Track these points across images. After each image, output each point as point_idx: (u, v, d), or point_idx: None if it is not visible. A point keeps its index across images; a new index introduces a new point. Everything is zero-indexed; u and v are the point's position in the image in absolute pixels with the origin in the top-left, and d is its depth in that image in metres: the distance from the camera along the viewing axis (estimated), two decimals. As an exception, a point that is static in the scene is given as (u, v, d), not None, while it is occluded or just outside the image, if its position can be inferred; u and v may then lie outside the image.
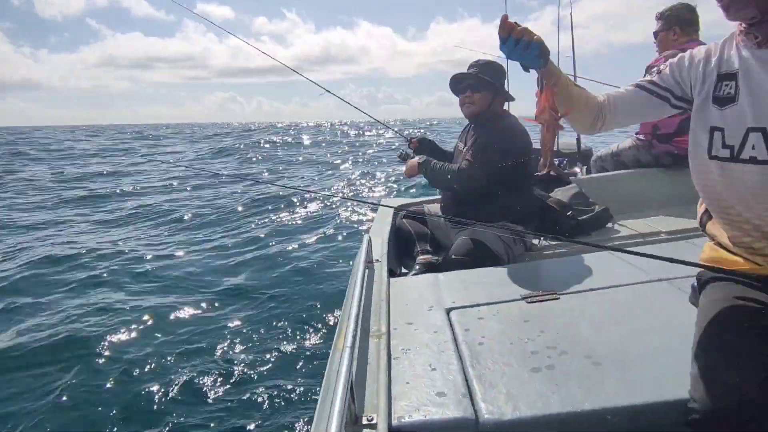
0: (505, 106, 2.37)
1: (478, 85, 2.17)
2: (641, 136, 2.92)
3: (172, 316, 3.58)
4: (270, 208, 7.46)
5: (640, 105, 1.25)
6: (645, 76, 2.84)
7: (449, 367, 1.13)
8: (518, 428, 0.94)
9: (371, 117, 3.07)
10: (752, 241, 1.05)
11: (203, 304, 3.75)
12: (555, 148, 3.67)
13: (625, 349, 1.13)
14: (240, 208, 7.44)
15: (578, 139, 3.52)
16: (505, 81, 2.26)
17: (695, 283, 1.31)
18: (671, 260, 1.05)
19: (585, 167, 3.34)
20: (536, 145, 2.24)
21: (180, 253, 5.24)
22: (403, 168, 2.36)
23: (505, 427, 0.94)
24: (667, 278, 1.51)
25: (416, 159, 2.27)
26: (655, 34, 2.79)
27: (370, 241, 1.87)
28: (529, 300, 1.46)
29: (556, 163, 3.25)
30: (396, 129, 3.06)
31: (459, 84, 2.25)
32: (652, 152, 2.86)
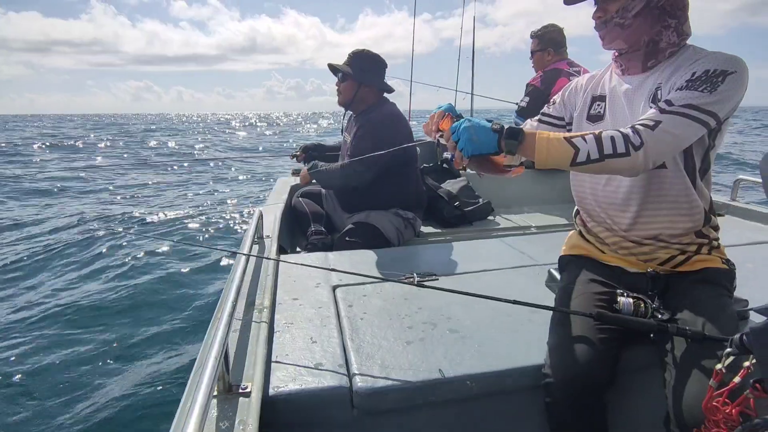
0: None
1: (344, 75, 2.23)
2: None
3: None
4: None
5: None
6: (525, 95, 3.11)
7: (329, 340, 1.17)
8: (388, 396, 1.01)
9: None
10: (601, 230, 1.27)
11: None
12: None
13: (487, 324, 1.26)
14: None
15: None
16: (382, 71, 2.28)
17: (551, 269, 1.50)
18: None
19: None
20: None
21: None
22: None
23: (377, 395, 1.00)
24: (531, 264, 1.70)
25: (305, 168, 2.36)
26: (532, 53, 3.07)
27: (261, 216, 1.84)
28: (411, 280, 1.55)
29: (449, 157, 3.44)
30: (271, 155, 3.11)
31: (335, 74, 2.30)
32: None
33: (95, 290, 3.76)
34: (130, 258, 4.47)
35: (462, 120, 1.11)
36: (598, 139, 1.00)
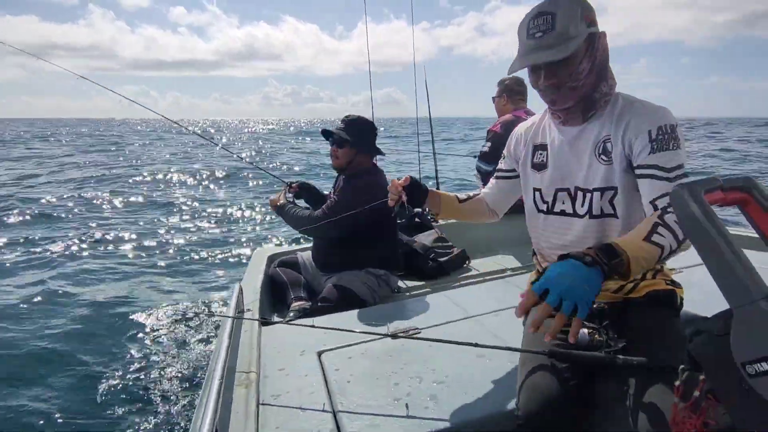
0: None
1: (342, 141, 2.30)
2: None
3: None
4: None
5: (507, 190, 1.50)
6: (486, 140, 3.29)
7: (319, 406, 1.17)
8: None
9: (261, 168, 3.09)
10: None
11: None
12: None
13: (471, 371, 1.29)
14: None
15: (437, 188, 3.90)
16: (375, 136, 2.41)
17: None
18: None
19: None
20: None
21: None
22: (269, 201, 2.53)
23: None
24: (510, 306, 1.75)
25: (279, 199, 2.44)
26: (493, 98, 3.31)
27: (241, 290, 1.86)
28: (394, 337, 1.58)
29: (420, 211, 3.55)
30: (276, 173, 3.10)
31: (326, 138, 2.39)
32: None
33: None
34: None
35: (543, 279, 0.90)
36: (668, 228, 0.98)
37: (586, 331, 1.06)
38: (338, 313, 1.91)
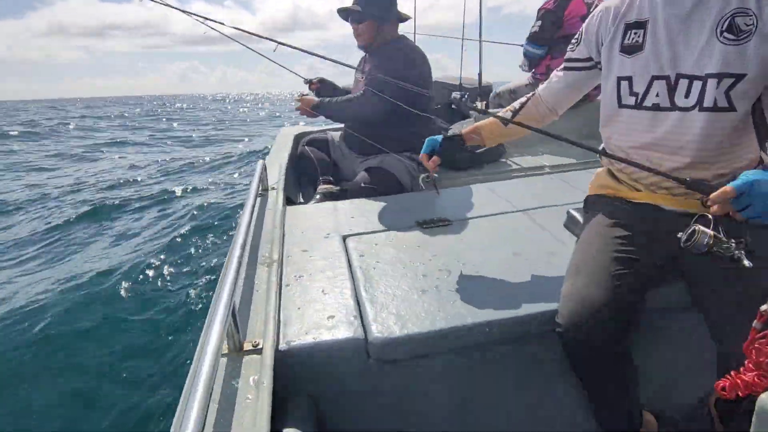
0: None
1: (359, 16, 2.11)
2: (537, 75, 3.04)
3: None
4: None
5: (577, 85, 1.25)
6: (537, 20, 2.92)
7: (342, 291, 1.13)
8: (406, 344, 0.98)
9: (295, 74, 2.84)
10: (633, 172, 1.14)
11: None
12: (458, 83, 3.71)
13: (504, 269, 1.21)
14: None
15: (480, 75, 3.57)
16: (394, 3, 2.16)
17: (570, 210, 1.43)
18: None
19: (485, 102, 3.43)
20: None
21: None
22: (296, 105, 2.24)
23: (394, 345, 0.97)
24: (548, 205, 1.63)
25: (309, 99, 2.17)
26: None
27: (264, 167, 1.78)
28: (424, 226, 1.50)
29: (458, 96, 3.29)
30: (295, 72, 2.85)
31: (346, 18, 2.17)
32: None
33: (101, 256, 3.79)
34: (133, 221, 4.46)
35: (750, 177, 0.80)
36: None
37: (709, 233, 0.82)
38: (366, 198, 1.83)
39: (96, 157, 10.26)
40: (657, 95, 1.04)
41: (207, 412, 0.60)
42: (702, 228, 0.82)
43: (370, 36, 2.14)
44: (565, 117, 3.09)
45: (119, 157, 9.96)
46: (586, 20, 1.20)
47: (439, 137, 1.29)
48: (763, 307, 0.63)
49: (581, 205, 1.33)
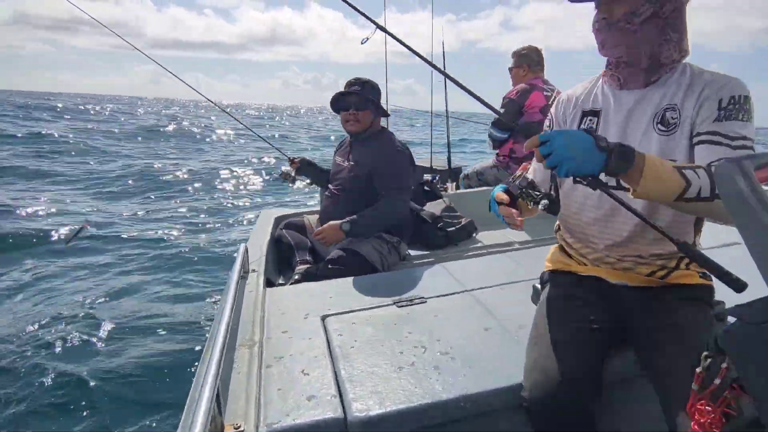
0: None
1: (363, 104, 2.25)
2: (500, 158, 3.29)
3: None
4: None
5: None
6: (501, 107, 3.24)
7: (322, 371, 1.16)
8: (384, 422, 1.01)
9: (235, 118, 3.08)
10: (581, 247, 1.28)
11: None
12: (429, 165, 3.95)
13: (477, 343, 1.27)
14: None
15: (449, 158, 3.83)
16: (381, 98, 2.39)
17: (536, 284, 1.53)
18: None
19: (455, 183, 3.65)
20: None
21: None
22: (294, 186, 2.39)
23: (373, 422, 1.00)
24: (517, 281, 1.72)
25: (337, 224, 2.14)
26: (510, 69, 3.23)
27: (246, 250, 1.84)
28: (399, 305, 1.56)
29: (430, 178, 3.50)
30: (277, 146, 3.06)
31: (343, 102, 2.31)
32: (508, 172, 3.24)
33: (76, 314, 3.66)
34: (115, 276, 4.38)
35: (555, 131, 0.96)
36: (708, 174, 0.90)
37: (529, 179, 1.11)
38: (343, 278, 1.89)
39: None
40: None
41: None
42: (525, 175, 1.08)
43: (368, 123, 2.28)
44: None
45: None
46: (552, 108, 1.36)
47: (501, 186, 1.23)
48: (698, 369, 0.70)
49: None
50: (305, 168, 2.58)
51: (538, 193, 1.06)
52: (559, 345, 1.05)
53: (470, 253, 2.46)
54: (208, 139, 19.51)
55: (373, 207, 2.18)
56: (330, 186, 2.41)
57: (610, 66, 1.19)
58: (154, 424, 2.28)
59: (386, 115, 2.42)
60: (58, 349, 3.00)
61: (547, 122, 1.39)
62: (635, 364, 1.12)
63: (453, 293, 1.65)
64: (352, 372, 1.15)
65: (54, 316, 3.48)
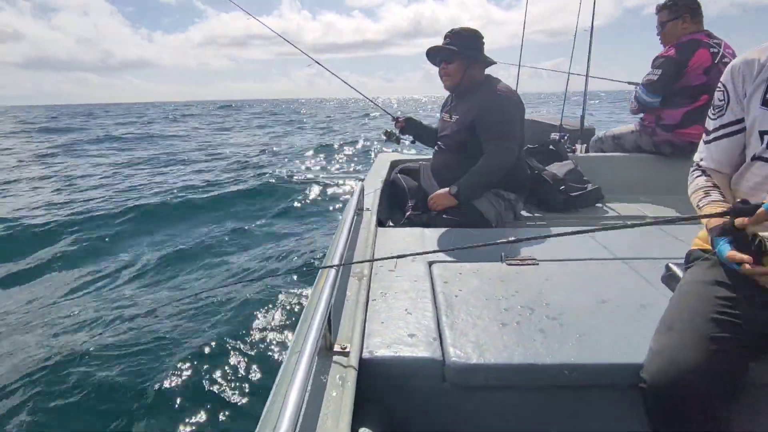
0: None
1: (450, 55, 2.15)
2: (646, 123, 2.92)
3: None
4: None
5: (734, 149, 1.15)
6: (654, 68, 2.78)
7: (424, 313, 1.19)
8: (481, 373, 1.01)
9: (362, 95, 3.10)
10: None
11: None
12: (558, 123, 3.65)
13: (589, 314, 1.19)
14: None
15: (582, 117, 3.50)
16: (483, 45, 2.20)
17: (670, 264, 1.37)
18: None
19: (585, 145, 3.35)
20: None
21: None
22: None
23: (469, 371, 1.00)
24: (644, 257, 1.56)
25: (445, 191, 2.10)
26: (663, 24, 2.74)
27: (362, 189, 1.90)
28: (509, 262, 1.51)
29: (557, 137, 3.25)
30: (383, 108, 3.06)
31: (434, 58, 2.23)
32: (653, 139, 2.87)
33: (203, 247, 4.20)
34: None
35: None
36: None
37: None
38: (455, 228, 1.88)
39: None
40: None
41: (304, 400, 0.68)
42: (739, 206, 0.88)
43: (460, 75, 2.18)
44: (670, 167, 2.91)
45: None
46: (724, 76, 1.15)
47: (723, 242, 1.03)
48: None
49: (683, 261, 1.27)
50: (410, 127, 2.55)
51: None
52: (699, 338, 0.93)
53: (592, 222, 2.28)
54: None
55: (477, 165, 2.08)
56: (438, 142, 2.36)
57: None
58: (263, 352, 2.53)
59: (490, 63, 2.23)
60: (220, 299, 3.35)
61: (719, 95, 1.17)
62: None
63: (568, 260, 1.56)
64: (454, 320, 1.16)
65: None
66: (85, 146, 14.69)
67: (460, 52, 2.14)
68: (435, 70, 2.30)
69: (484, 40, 2.21)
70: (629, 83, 3.39)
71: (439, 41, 2.20)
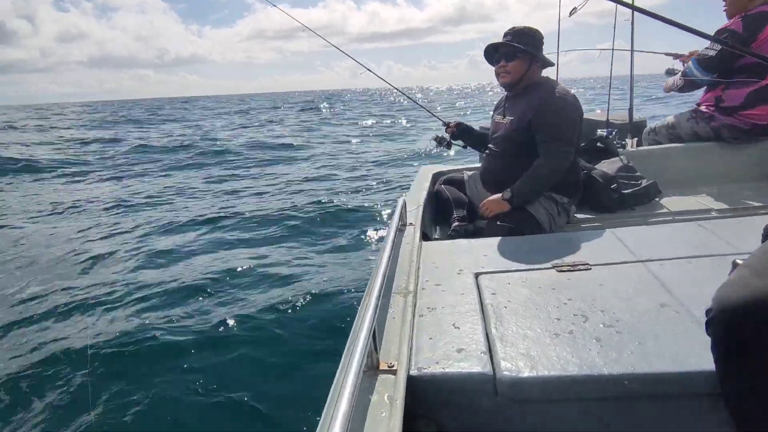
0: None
1: (512, 53, 2.11)
2: (702, 108, 2.74)
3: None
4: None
5: None
6: (710, 46, 2.58)
7: (472, 326, 1.17)
8: (535, 387, 0.98)
9: (399, 90, 3.13)
10: None
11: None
12: (605, 118, 3.51)
13: (649, 320, 1.13)
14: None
15: (630, 110, 3.34)
16: (542, 45, 2.17)
17: (737, 261, 1.27)
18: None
19: (636, 139, 3.19)
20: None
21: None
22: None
23: (522, 385, 0.98)
24: (709, 254, 1.46)
25: (498, 196, 2.07)
26: None
27: (404, 204, 1.91)
28: (559, 269, 1.46)
29: (605, 134, 3.12)
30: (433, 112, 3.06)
31: (493, 54, 2.20)
32: (711, 125, 2.69)
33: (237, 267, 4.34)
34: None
35: None
36: None
37: None
38: (499, 237, 1.85)
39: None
40: None
41: (350, 420, 0.69)
42: None
43: (520, 74, 2.14)
44: (733, 154, 2.72)
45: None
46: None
47: None
48: None
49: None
50: (461, 133, 2.53)
51: None
52: None
53: (650, 220, 2.17)
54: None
55: (531, 169, 2.03)
56: (490, 145, 2.33)
57: None
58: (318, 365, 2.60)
59: (549, 64, 2.19)
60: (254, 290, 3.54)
61: None
62: None
63: (623, 262, 1.48)
64: (503, 332, 1.14)
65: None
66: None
67: (526, 50, 2.10)
68: (480, 56, 2.27)
69: (543, 40, 2.18)
70: (674, 56, 3.16)
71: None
